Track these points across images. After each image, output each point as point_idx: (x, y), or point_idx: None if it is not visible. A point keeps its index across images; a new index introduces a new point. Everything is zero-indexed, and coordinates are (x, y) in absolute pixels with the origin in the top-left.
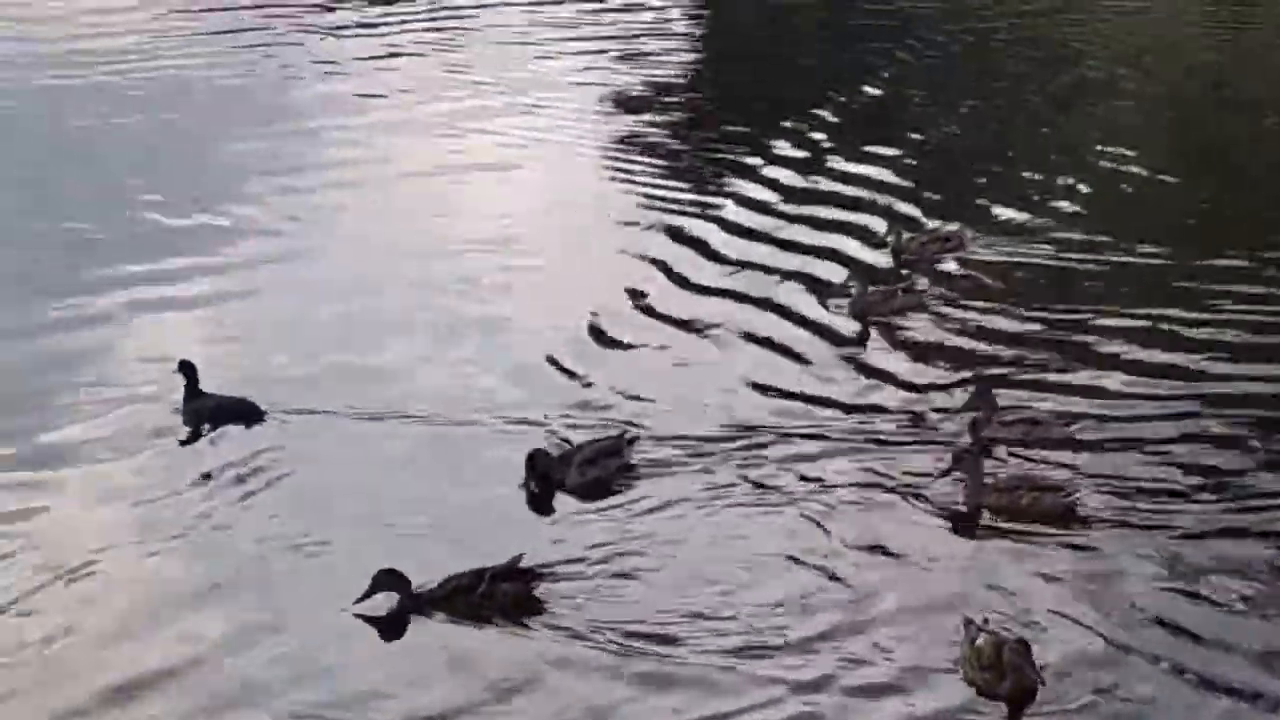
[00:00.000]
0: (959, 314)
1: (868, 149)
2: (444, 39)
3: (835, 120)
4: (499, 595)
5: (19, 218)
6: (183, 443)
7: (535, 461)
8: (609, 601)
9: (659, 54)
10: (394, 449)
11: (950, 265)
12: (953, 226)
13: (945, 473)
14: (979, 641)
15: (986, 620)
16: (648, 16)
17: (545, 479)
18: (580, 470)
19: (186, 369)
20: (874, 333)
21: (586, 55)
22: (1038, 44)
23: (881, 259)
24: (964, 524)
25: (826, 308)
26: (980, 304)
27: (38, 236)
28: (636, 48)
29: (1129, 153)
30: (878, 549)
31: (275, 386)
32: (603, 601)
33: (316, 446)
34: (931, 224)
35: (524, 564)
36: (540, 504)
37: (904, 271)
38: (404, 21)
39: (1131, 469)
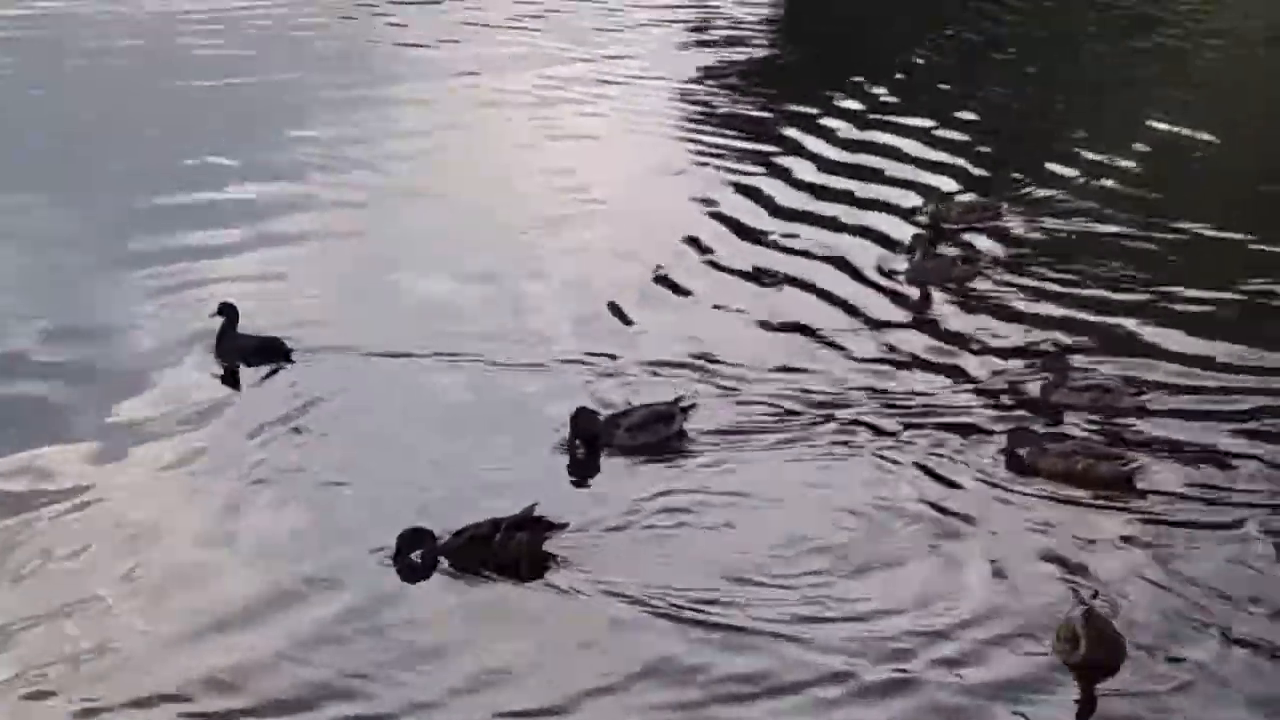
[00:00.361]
0: (1019, 280)
1: (936, 112)
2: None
3: (907, 82)
4: (514, 544)
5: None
6: (223, 379)
7: (579, 421)
8: (657, 562)
9: (737, 24)
10: (448, 393)
11: (991, 235)
12: (989, 198)
13: (1006, 450)
14: (1070, 614)
15: (1095, 594)
16: None
17: (590, 441)
18: (630, 434)
19: (227, 310)
20: (936, 297)
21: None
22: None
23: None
24: (1027, 489)
25: (886, 273)
26: (1039, 272)
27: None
28: (713, 18)
29: (1190, 130)
30: (947, 513)
31: (353, 330)
32: (650, 561)
33: (371, 390)
34: (969, 195)
35: (539, 514)
36: (581, 464)
37: (953, 242)
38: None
39: (1200, 438)
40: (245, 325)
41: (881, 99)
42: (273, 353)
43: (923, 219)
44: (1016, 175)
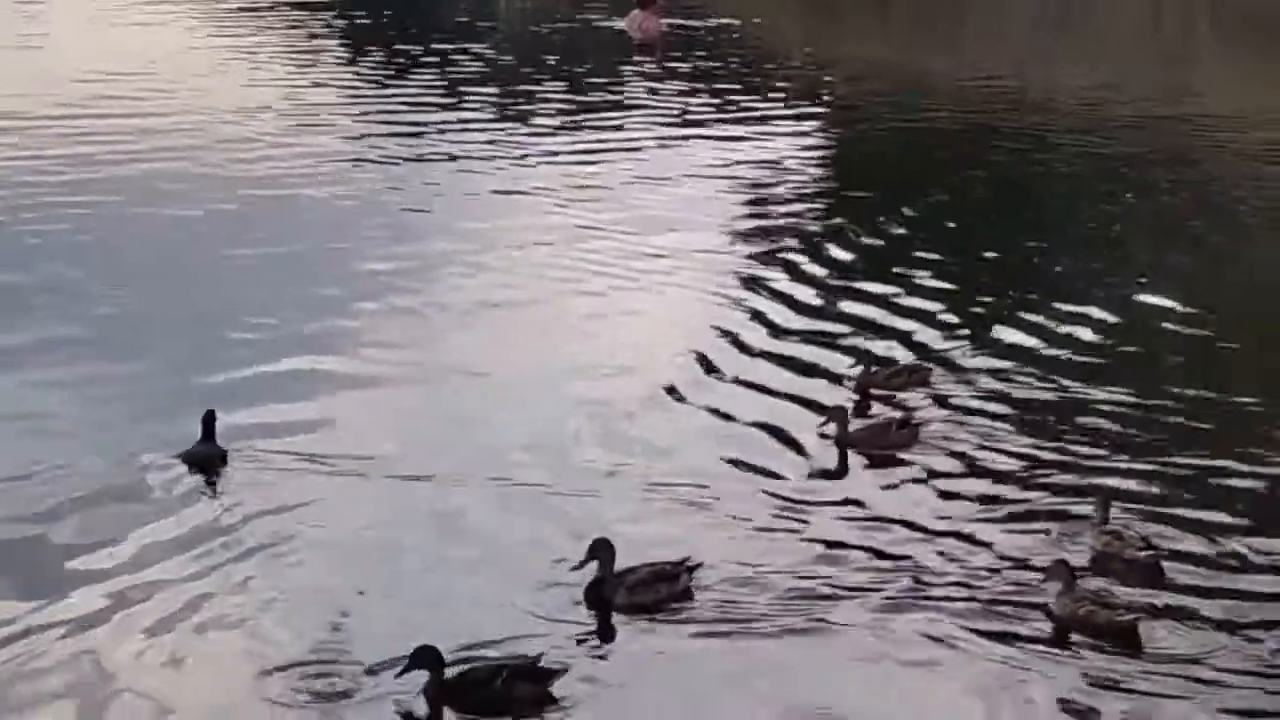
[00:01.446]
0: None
1: (910, 269)
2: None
3: (902, 236)
4: (517, 694)
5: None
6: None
7: (596, 551)
8: None
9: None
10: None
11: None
12: (917, 361)
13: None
14: None
15: None
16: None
17: (598, 589)
18: (629, 592)
19: (207, 419)
20: (863, 466)
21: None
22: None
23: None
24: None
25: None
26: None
27: None
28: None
29: (1163, 299)
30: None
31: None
32: None
33: (402, 507)
34: (905, 358)
35: (542, 664)
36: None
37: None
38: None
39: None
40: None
41: (873, 252)
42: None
43: (849, 384)
44: (961, 337)
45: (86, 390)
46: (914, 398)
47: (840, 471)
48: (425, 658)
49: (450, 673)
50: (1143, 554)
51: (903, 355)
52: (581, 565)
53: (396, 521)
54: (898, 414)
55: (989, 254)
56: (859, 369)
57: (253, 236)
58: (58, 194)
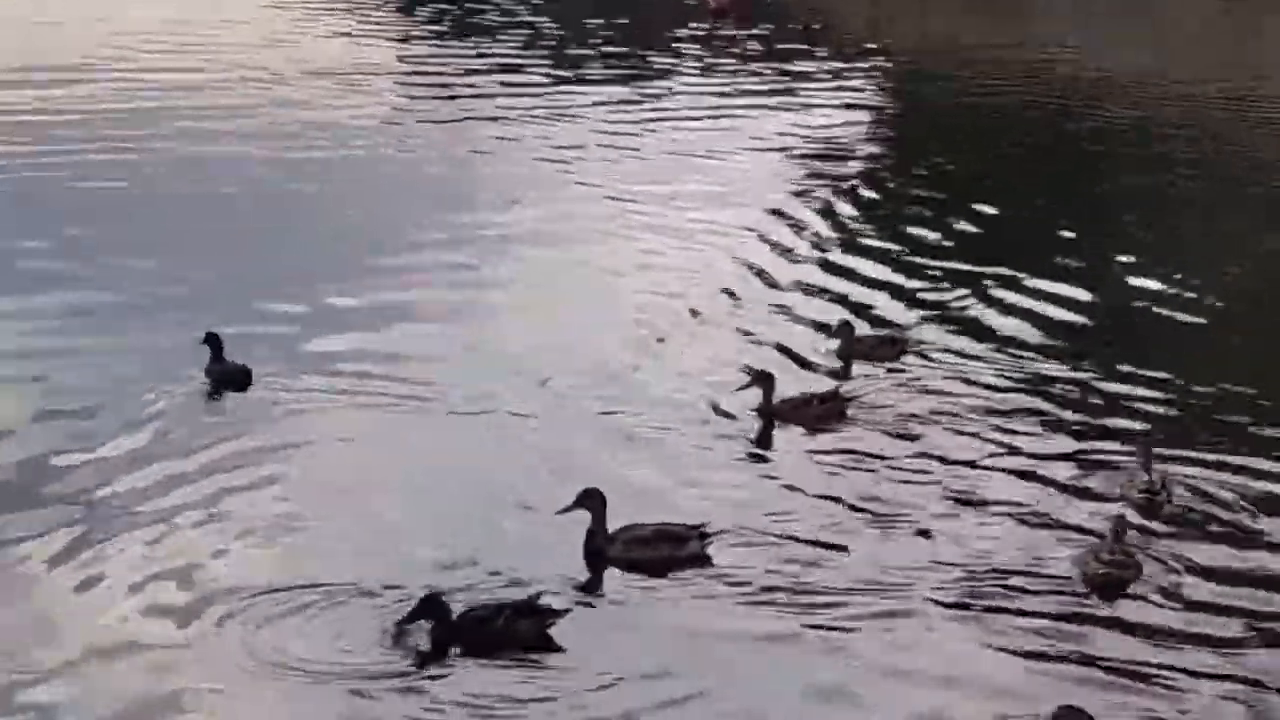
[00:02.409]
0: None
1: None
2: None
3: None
4: (518, 630)
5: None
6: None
7: (584, 500)
8: None
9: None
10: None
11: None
12: (896, 332)
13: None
14: None
15: None
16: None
17: (593, 541)
18: (626, 547)
19: (212, 340)
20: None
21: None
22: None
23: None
24: None
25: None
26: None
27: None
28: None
29: (1150, 282)
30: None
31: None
32: None
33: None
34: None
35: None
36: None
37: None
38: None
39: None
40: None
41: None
42: (241, 380)
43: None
44: (958, 311)
45: (141, 319)
46: (888, 368)
47: (763, 441)
48: (431, 608)
49: (455, 609)
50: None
51: (903, 321)
52: (568, 510)
53: (411, 452)
54: (823, 389)
55: (1012, 228)
56: (839, 339)
57: (305, 187)
58: (117, 145)
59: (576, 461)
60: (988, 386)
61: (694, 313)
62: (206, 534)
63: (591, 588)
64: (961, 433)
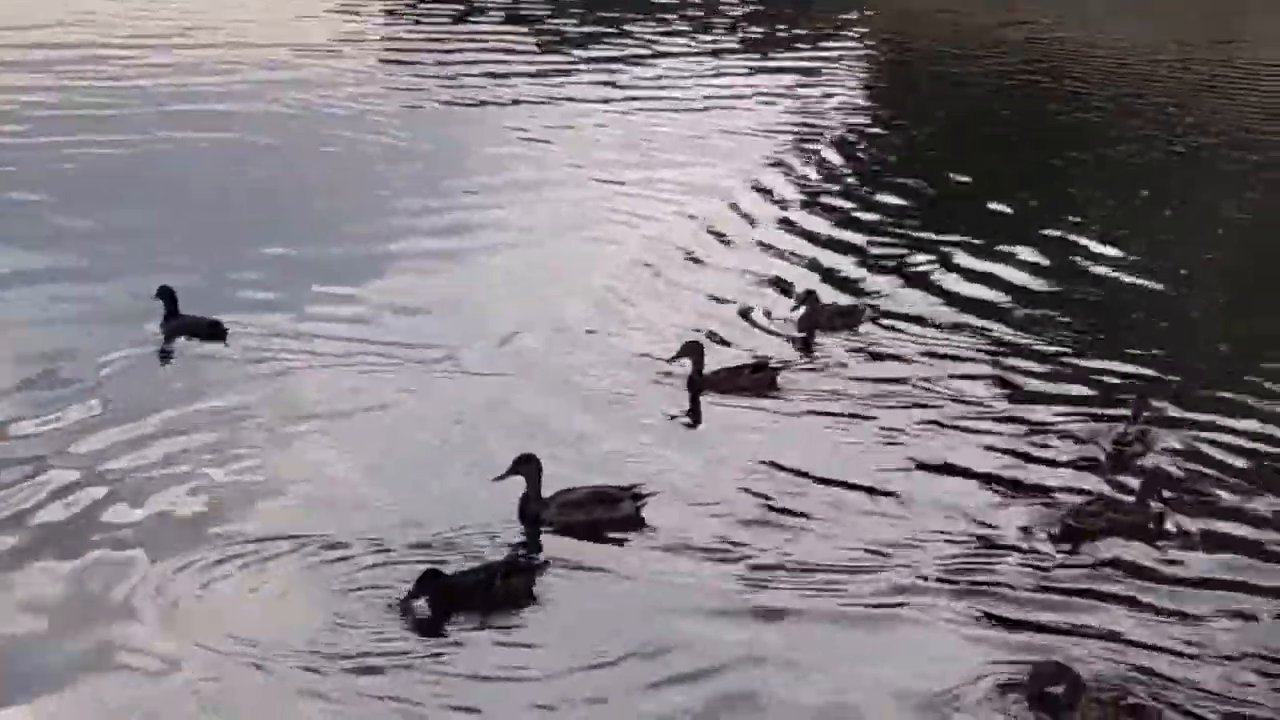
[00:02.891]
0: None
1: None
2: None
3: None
4: (510, 589)
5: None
6: (163, 354)
7: (519, 465)
8: None
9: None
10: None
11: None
12: (854, 300)
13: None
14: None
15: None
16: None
17: (527, 506)
18: (561, 510)
19: (166, 294)
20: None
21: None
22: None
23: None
24: None
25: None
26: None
27: None
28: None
29: (1108, 248)
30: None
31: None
32: None
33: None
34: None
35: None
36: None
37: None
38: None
39: None
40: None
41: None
42: (207, 332)
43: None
44: (920, 279)
45: (101, 282)
46: (847, 338)
47: (693, 410)
48: (429, 584)
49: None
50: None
51: (868, 289)
52: (503, 477)
53: (363, 406)
54: (753, 359)
55: (982, 197)
56: (802, 309)
57: (286, 160)
58: (93, 118)
59: (528, 420)
60: (942, 356)
61: (658, 274)
62: (168, 492)
63: (531, 551)
64: (907, 403)
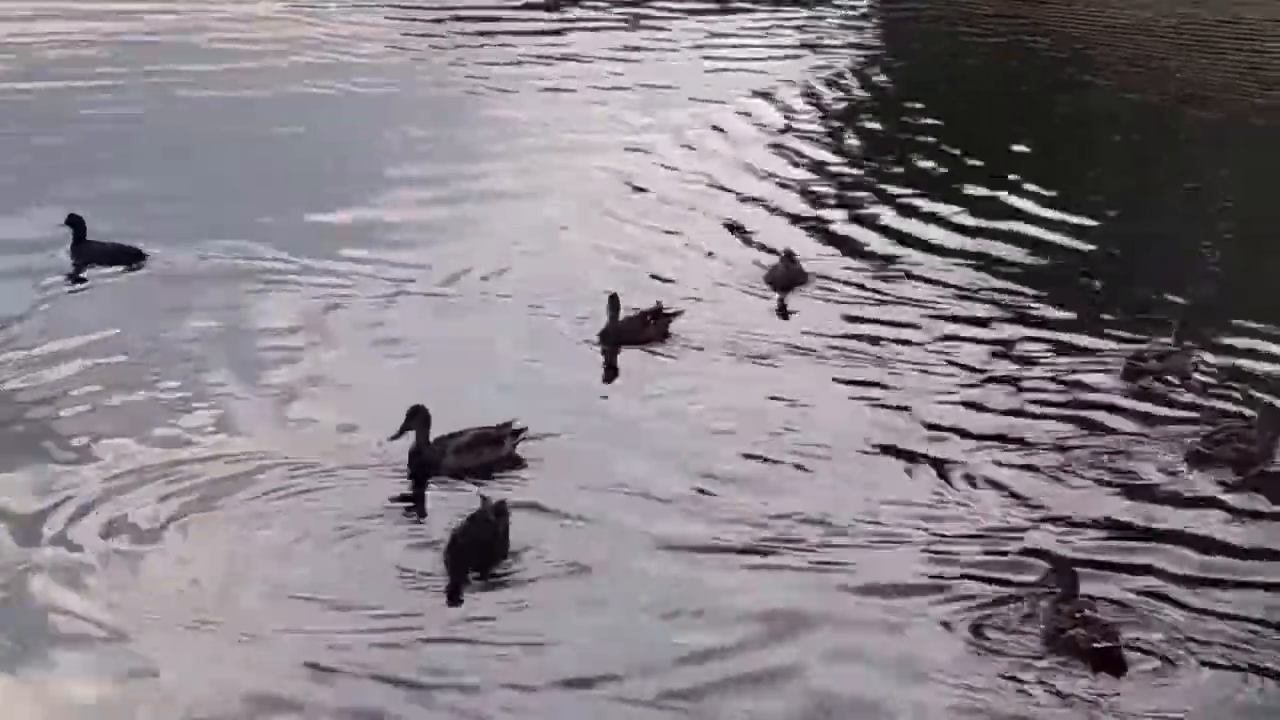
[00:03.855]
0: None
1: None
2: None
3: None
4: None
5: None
6: (74, 279)
7: (412, 418)
8: None
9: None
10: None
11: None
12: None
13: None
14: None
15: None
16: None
17: (420, 457)
18: (457, 456)
19: (75, 221)
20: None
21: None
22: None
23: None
24: None
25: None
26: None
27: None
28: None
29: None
30: None
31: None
32: None
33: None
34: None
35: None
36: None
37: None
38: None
39: None
40: None
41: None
42: (121, 257)
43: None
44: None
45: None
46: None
47: (609, 361)
48: (418, 416)
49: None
50: None
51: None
52: (399, 435)
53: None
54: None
55: (944, 159)
56: (782, 267)
57: (273, 117)
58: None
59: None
60: (873, 320)
61: (618, 219)
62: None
63: (419, 500)
64: (820, 361)
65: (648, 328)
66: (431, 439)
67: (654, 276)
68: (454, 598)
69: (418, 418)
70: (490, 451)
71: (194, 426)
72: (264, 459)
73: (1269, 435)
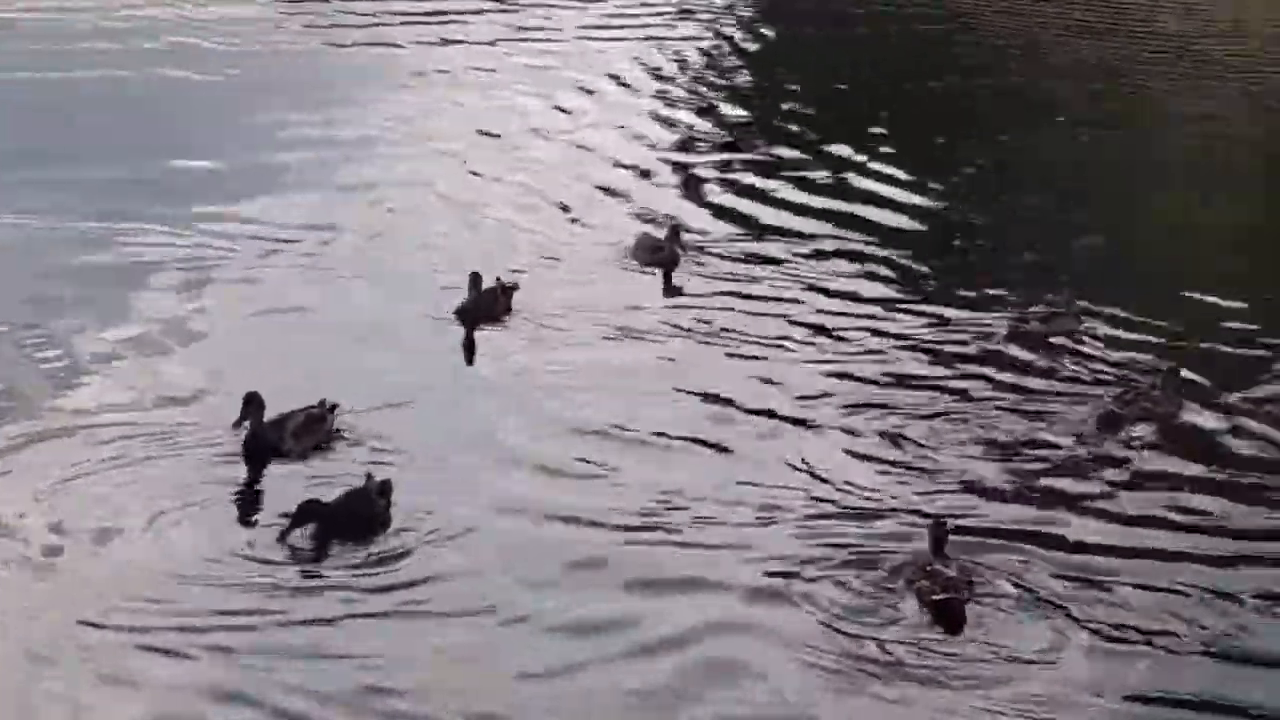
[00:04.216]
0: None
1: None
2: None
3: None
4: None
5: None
6: None
7: (250, 404)
8: None
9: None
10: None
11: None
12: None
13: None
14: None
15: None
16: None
17: (256, 440)
18: (297, 439)
19: None
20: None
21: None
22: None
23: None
24: None
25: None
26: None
27: None
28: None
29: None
30: None
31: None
32: None
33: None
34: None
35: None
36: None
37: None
38: None
39: None
40: None
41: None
42: None
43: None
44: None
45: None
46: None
47: (467, 338)
48: (309, 513)
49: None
50: None
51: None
52: (240, 423)
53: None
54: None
55: (850, 142)
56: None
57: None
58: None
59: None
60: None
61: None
62: None
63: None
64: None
65: (497, 303)
66: (268, 420)
67: (518, 246)
68: (283, 539)
69: (253, 404)
70: (322, 430)
71: (46, 387)
72: (113, 422)
73: (1173, 396)
